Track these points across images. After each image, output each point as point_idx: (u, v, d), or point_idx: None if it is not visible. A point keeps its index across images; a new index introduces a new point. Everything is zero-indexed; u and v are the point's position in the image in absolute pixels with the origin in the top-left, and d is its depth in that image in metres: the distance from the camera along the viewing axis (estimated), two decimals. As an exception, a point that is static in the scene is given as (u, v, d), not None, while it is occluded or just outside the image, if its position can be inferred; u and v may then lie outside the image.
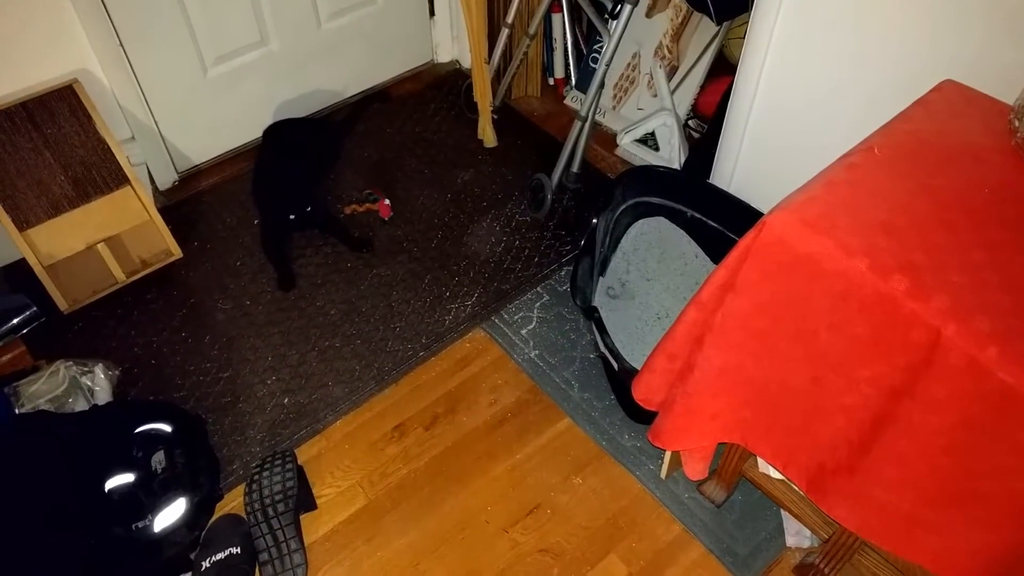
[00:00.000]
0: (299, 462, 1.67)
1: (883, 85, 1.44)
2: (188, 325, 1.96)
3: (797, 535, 1.57)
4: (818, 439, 1.16)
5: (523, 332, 1.94)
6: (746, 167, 1.84)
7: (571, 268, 2.07)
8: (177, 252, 2.07)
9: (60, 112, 1.88)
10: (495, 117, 2.42)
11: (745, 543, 1.56)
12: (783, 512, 1.59)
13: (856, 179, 1.08)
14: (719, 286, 1.14)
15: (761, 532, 1.58)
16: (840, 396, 1.09)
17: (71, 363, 1.73)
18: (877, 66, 1.44)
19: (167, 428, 1.60)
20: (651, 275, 1.95)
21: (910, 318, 0.94)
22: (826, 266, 1.00)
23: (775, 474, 1.46)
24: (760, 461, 1.48)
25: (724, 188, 1.87)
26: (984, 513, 0.99)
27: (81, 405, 1.68)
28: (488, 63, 2.32)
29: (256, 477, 1.59)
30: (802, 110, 1.63)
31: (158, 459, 1.54)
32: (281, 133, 2.34)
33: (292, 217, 2.11)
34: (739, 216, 1.77)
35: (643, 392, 1.36)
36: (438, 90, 2.67)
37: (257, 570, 1.51)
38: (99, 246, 1.94)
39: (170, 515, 1.48)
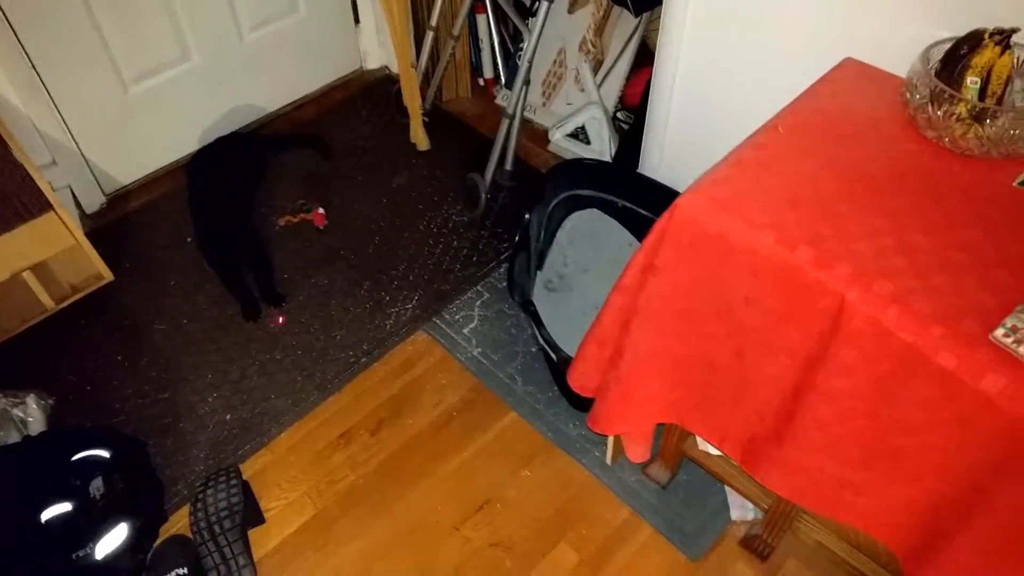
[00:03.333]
0: (245, 477, 1.65)
1: (791, 65, 1.48)
2: (123, 348, 1.92)
3: (741, 508, 1.60)
4: (747, 412, 1.19)
5: (465, 331, 1.95)
6: (672, 154, 1.88)
7: (508, 267, 2.09)
8: (108, 275, 2.03)
9: (-27, 139, 1.83)
10: (426, 120, 2.43)
11: (692, 521, 1.60)
12: (726, 488, 1.63)
13: (762, 157, 1.12)
14: (640, 270, 1.17)
15: (707, 509, 1.61)
16: (762, 368, 1.12)
17: (0, 396, 1.69)
18: (784, 47, 1.49)
19: (105, 454, 1.57)
20: (588, 266, 1.98)
21: (816, 287, 0.97)
22: (736, 243, 1.03)
23: (713, 451, 1.49)
24: (699, 439, 1.52)
25: (652, 176, 1.91)
26: (901, 469, 1.04)
27: (14, 438, 1.63)
28: (415, 66, 2.33)
29: (200, 495, 1.57)
30: (720, 94, 1.67)
31: (96, 486, 1.51)
32: (205, 162, 2.29)
33: (223, 249, 2.08)
34: (668, 202, 1.79)
35: (578, 380, 1.39)
36: (368, 97, 2.66)
37: (206, 589, 1.49)
38: (25, 274, 1.89)
39: (112, 541, 1.46)
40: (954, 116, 1.07)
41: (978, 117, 1.06)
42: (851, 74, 1.27)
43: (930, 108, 1.09)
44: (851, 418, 1.03)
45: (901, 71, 1.21)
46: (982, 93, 1.08)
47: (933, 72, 1.10)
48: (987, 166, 1.08)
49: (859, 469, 1.08)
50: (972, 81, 1.09)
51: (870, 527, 1.15)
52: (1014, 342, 0.86)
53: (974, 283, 0.94)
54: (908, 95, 1.13)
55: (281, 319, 1.97)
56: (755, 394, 1.16)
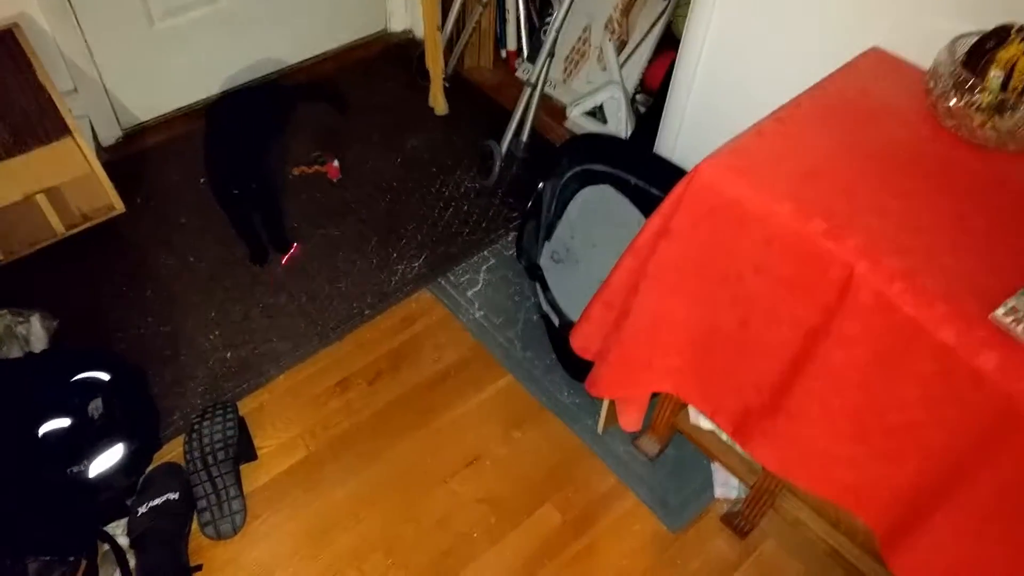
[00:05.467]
0: (240, 414, 1.67)
1: (817, 54, 1.50)
2: (129, 279, 1.94)
3: (724, 486, 1.63)
4: (744, 383, 1.21)
5: (468, 294, 1.97)
6: (688, 138, 1.89)
7: (517, 233, 2.10)
8: (120, 207, 2.04)
9: (-2, 57, 1.84)
10: (447, 86, 2.44)
11: (676, 494, 1.62)
12: (712, 465, 1.66)
13: (784, 132, 1.14)
14: (653, 233, 1.19)
15: (692, 484, 1.64)
16: (765, 338, 1.14)
17: (5, 312, 1.70)
18: (811, 36, 1.51)
19: (105, 377, 1.58)
20: (595, 241, 2.00)
21: (826, 258, 0.99)
22: (752, 210, 1.05)
23: (706, 424, 1.52)
24: (692, 413, 1.54)
25: (667, 157, 1.92)
26: (891, 445, 1.06)
27: (16, 353, 1.65)
28: (441, 29, 2.34)
29: (196, 426, 1.59)
30: (743, 80, 1.69)
31: (95, 406, 1.52)
32: (225, 108, 2.31)
33: (236, 192, 2.08)
34: (680, 183, 1.82)
35: (581, 341, 1.41)
36: (390, 58, 2.67)
37: (195, 516, 1.51)
38: (38, 197, 1.90)
39: (106, 460, 1.48)
40: (974, 107, 1.09)
41: (998, 109, 1.08)
42: (876, 62, 1.29)
43: (951, 98, 1.11)
44: (847, 391, 1.05)
45: (925, 63, 1.23)
46: (1004, 87, 1.10)
47: (958, 63, 1.12)
48: (1001, 158, 1.10)
49: (849, 444, 1.11)
50: (995, 75, 1.10)
51: (853, 503, 1.17)
52: (1013, 322, 0.88)
53: (979, 267, 0.96)
54: (931, 84, 1.15)
55: (296, 245, 2.00)
56: (755, 365, 1.18)
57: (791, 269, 1.05)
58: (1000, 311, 0.89)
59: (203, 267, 1.98)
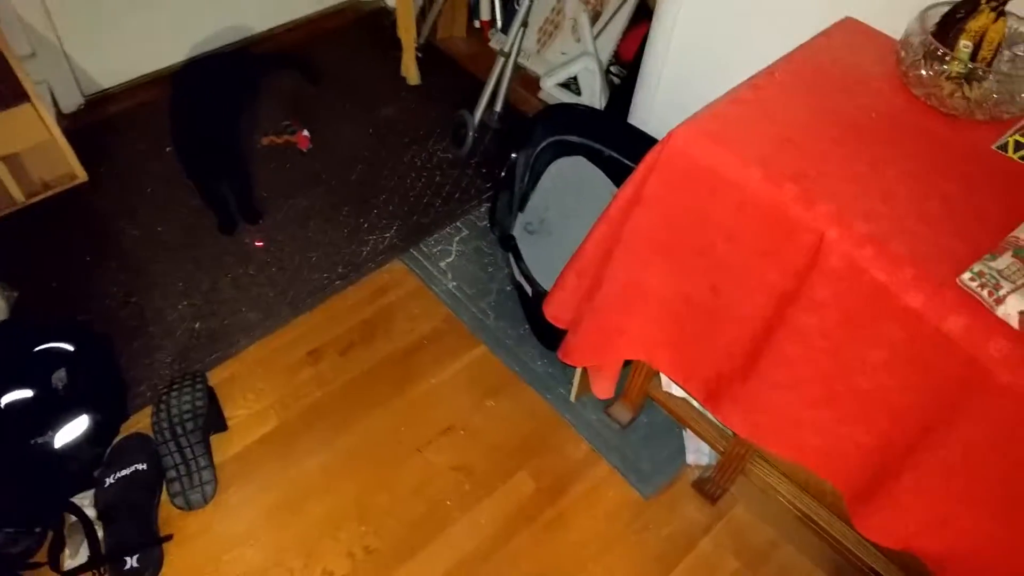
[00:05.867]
0: (210, 384, 1.65)
1: (791, 23, 1.50)
2: (93, 249, 1.90)
3: (696, 453, 1.65)
4: (715, 350, 1.22)
5: (441, 264, 1.96)
6: (663, 107, 1.89)
7: (490, 204, 2.09)
8: (82, 175, 1.99)
9: (-48, 18, 1.77)
10: (419, 56, 2.41)
11: (649, 461, 1.64)
12: (684, 432, 1.68)
13: (758, 99, 1.14)
14: (627, 200, 1.19)
15: (664, 451, 1.66)
16: (736, 305, 1.15)
17: (-36, 281, 1.66)
18: (785, 5, 1.51)
19: (69, 347, 1.55)
20: (569, 213, 1.99)
21: (797, 223, 1.00)
22: (725, 176, 1.06)
23: (677, 392, 1.53)
24: (663, 380, 1.56)
25: (641, 127, 1.92)
26: (858, 409, 1.08)
27: (-25, 324, 1.61)
28: (413, -3, 2.30)
29: (165, 397, 1.57)
30: (716, 49, 1.69)
31: (59, 376, 1.50)
32: (193, 75, 2.26)
33: (204, 161, 2.04)
34: (653, 154, 1.81)
35: (554, 310, 1.41)
36: (360, 27, 2.63)
37: (164, 487, 1.50)
38: (-5, 164, 1.85)
39: (71, 431, 1.45)
40: (944, 75, 1.10)
41: (967, 79, 1.09)
42: (849, 32, 1.30)
43: (922, 66, 1.12)
44: (816, 356, 1.07)
45: (897, 33, 1.23)
46: (973, 57, 1.11)
47: (929, 33, 1.13)
48: (969, 127, 1.11)
49: (818, 408, 1.12)
50: (964, 45, 1.11)
51: (821, 467, 1.20)
52: (979, 286, 0.90)
53: (947, 232, 0.97)
54: (902, 53, 1.15)
55: (260, 243, 1.96)
56: (726, 331, 1.19)
57: (762, 235, 1.05)
58: (966, 275, 0.91)
59: (170, 238, 1.94)
